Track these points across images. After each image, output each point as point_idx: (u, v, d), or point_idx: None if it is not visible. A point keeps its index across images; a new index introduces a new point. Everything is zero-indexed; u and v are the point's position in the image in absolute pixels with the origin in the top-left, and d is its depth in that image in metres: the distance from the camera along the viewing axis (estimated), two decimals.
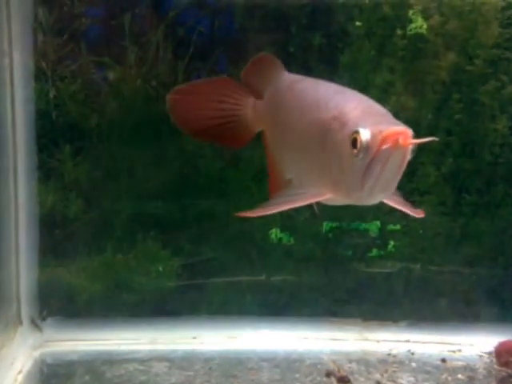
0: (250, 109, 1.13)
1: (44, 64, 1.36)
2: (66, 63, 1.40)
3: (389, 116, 0.88)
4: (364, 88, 1.17)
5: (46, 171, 1.44)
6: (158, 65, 1.42)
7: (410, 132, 0.81)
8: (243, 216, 0.92)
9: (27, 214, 1.42)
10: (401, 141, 0.80)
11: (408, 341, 1.50)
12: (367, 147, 0.81)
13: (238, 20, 1.47)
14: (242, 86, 1.13)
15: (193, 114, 1.13)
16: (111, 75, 1.41)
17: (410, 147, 0.82)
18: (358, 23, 1.48)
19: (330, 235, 1.57)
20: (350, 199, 0.91)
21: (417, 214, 1.04)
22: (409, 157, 0.83)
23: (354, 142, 0.83)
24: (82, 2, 1.35)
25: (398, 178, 0.86)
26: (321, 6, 1.49)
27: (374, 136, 0.81)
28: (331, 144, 0.88)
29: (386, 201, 0.96)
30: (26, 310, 1.44)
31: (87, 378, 1.31)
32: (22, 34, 1.32)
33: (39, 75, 1.38)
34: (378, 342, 1.50)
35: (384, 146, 0.80)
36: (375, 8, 1.48)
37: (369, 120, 0.84)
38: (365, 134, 0.82)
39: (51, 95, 1.40)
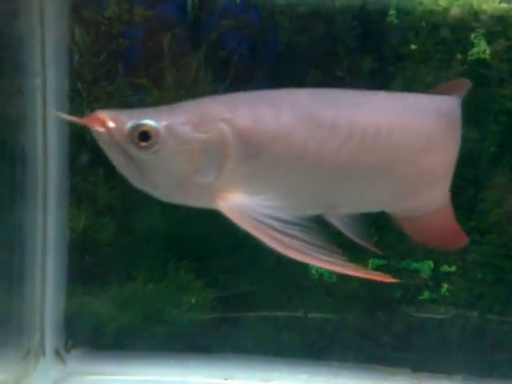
0: None
1: (79, 85, 1.26)
2: (103, 84, 1.29)
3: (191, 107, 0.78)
4: None
5: (78, 195, 1.32)
6: (198, 87, 1.29)
7: (101, 115, 0.74)
8: None
9: (56, 239, 1.30)
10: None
11: None
12: None
13: (282, 42, 1.32)
14: None
15: None
16: (149, 98, 1.29)
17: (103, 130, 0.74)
18: (413, 46, 1.30)
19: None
20: None
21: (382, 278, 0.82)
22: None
23: None
24: (121, 21, 1.25)
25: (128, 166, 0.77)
26: (372, 29, 1.32)
27: None
28: None
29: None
30: (50, 340, 1.31)
31: None
32: (57, 53, 1.22)
33: (74, 96, 1.27)
34: None
35: None
36: (433, 30, 1.30)
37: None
38: None
39: None
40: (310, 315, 1.39)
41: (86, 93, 1.26)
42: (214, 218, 1.40)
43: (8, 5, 1.09)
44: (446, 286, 1.36)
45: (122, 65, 1.28)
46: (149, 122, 0.73)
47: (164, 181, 0.76)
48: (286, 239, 0.74)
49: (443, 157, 0.94)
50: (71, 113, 1.25)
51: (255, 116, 0.77)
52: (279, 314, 1.39)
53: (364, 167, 0.84)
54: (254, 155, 0.76)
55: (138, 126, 0.72)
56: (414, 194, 0.93)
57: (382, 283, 1.41)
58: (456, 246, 1.09)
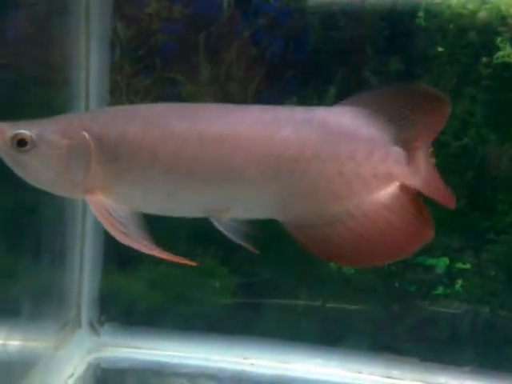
0: None
1: (120, 78, 1.33)
2: (141, 78, 1.35)
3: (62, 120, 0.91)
4: None
5: None
6: (229, 83, 1.34)
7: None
8: None
9: (94, 223, 1.37)
10: None
11: None
12: None
13: (311, 41, 1.36)
14: None
15: None
16: (183, 92, 1.35)
17: None
18: (440, 49, 1.33)
19: (393, 268, 1.42)
20: None
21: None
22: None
23: None
24: (160, 18, 1.31)
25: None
26: (400, 30, 1.35)
27: None
28: None
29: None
30: (85, 314, 1.40)
31: None
32: (100, 47, 1.28)
33: (114, 89, 1.34)
34: None
35: None
36: (460, 33, 1.33)
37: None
38: None
39: None
40: (328, 305, 1.45)
41: (125, 86, 1.33)
42: None
43: (58, 3, 1.16)
44: (460, 282, 1.39)
45: (160, 60, 1.35)
46: (24, 131, 0.89)
47: (43, 178, 0.91)
48: (118, 224, 0.88)
49: (318, 168, 0.89)
50: (111, 105, 1.33)
51: (109, 124, 0.91)
52: (299, 302, 1.45)
53: (228, 176, 0.88)
54: (113, 158, 0.90)
55: (16, 134, 0.88)
56: (295, 205, 0.91)
57: (398, 277, 1.47)
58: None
